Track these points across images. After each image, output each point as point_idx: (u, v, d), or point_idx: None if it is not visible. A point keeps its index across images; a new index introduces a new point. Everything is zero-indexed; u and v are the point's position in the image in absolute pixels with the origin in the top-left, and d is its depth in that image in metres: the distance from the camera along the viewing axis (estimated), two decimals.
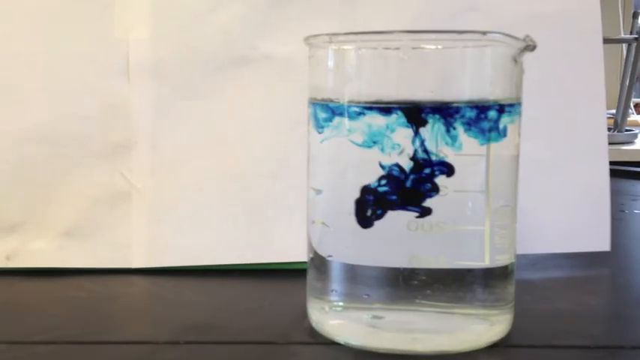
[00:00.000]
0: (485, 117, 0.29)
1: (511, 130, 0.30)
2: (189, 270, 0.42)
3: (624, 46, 1.28)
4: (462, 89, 0.30)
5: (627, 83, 1.18)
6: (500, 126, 0.30)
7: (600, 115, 0.44)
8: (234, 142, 0.43)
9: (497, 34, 0.29)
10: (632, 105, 1.27)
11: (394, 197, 0.29)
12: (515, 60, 0.30)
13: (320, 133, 0.31)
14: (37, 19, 0.43)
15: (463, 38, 0.29)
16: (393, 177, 0.29)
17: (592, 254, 0.44)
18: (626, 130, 1.18)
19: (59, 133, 0.43)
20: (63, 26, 0.43)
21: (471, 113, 0.29)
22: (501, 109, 0.30)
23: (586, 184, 0.44)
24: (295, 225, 0.41)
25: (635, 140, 1.16)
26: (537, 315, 0.35)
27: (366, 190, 0.30)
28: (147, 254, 0.42)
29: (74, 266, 0.42)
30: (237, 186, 0.43)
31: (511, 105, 0.30)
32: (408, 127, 0.29)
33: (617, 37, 1.29)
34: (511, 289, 0.32)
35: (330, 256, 0.32)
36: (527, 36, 0.29)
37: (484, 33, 0.28)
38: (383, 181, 0.30)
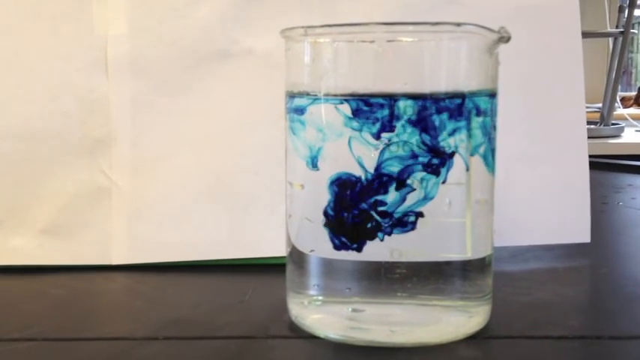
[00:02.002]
0: (462, 108, 0.29)
1: (487, 121, 0.30)
2: (169, 266, 0.42)
3: (610, 40, 1.29)
4: (437, 81, 0.30)
5: (613, 77, 1.19)
6: (477, 117, 0.30)
7: (580, 109, 0.45)
8: (215, 138, 0.43)
9: (471, 26, 0.29)
10: (618, 99, 1.27)
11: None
12: (490, 52, 0.30)
13: (296, 126, 0.31)
14: (15, 15, 0.43)
15: (437, 30, 0.29)
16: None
17: (572, 246, 0.44)
18: (613, 124, 1.19)
19: (38, 129, 0.42)
20: (40, 22, 0.43)
21: (446, 105, 0.29)
22: (477, 100, 0.30)
23: (566, 176, 0.44)
24: (277, 220, 0.41)
25: (622, 134, 1.17)
26: (516, 306, 0.35)
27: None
28: (127, 251, 0.42)
29: (54, 263, 0.42)
30: (219, 182, 0.43)
31: (486, 96, 0.30)
32: (384, 119, 0.29)
33: (603, 31, 1.30)
34: (489, 280, 0.32)
35: (312, 250, 0.32)
36: (502, 27, 0.29)
37: (458, 24, 0.28)
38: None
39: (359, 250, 0.30)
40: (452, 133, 0.29)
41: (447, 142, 0.29)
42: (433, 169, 0.29)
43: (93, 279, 0.41)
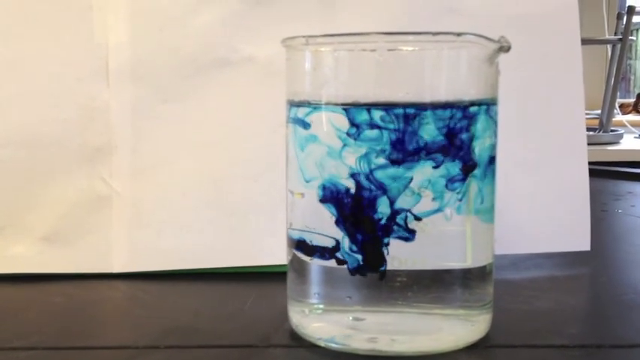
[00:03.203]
0: (462, 117, 0.29)
1: (488, 130, 0.30)
2: (170, 274, 0.42)
3: (609, 46, 1.29)
4: (438, 90, 0.30)
5: (612, 84, 1.19)
6: (477, 126, 0.30)
7: (579, 116, 0.45)
8: (216, 145, 0.43)
9: (471, 36, 0.29)
10: (617, 105, 1.28)
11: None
12: (491, 61, 0.30)
13: (297, 135, 0.31)
14: (17, 23, 0.43)
15: (438, 40, 0.29)
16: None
17: (572, 254, 0.44)
18: (612, 131, 1.19)
19: (38, 137, 0.42)
20: (42, 30, 0.43)
21: (447, 114, 0.29)
22: (477, 109, 0.30)
23: (566, 184, 0.44)
24: (277, 228, 0.41)
25: (621, 140, 1.17)
26: (517, 315, 0.35)
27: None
28: (128, 259, 0.42)
29: (54, 271, 0.42)
30: (219, 189, 0.43)
31: (487, 105, 0.30)
32: (385, 128, 0.29)
33: (601, 38, 1.30)
34: (490, 289, 0.32)
35: (312, 259, 0.32)
36: (502, 37, 0.30)
37: (459, 34, 0.29)
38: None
39: (382, 278, 0.30)
40: (455, 143, 0.29)
41: (468, 152, 0.29)
42: (453, 182, 0.29)
43: (93, 287, 0.41)
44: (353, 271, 0.30)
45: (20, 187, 0.42)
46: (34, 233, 0.42)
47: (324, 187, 0.30)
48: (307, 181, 0.31)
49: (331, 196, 0.30)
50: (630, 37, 1.20)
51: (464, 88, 0.30)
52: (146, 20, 0.43)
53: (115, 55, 0.43)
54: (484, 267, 0.32)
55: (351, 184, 0.30)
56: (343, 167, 0.30)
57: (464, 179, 0.30)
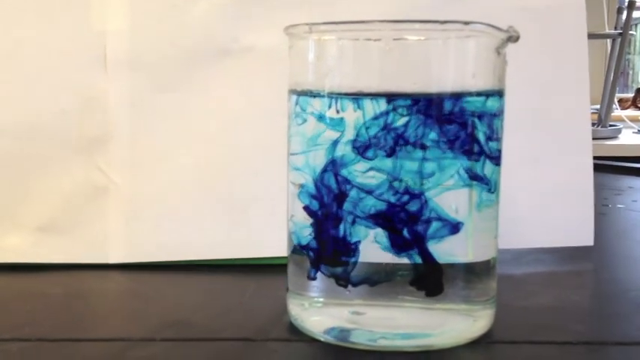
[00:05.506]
0: (469, 109, 0.29)
1: (494, 122, 0.30)
2: (167, 266, 0.42)
3: (609, 41, 1.28)
4: (445, 80, 0.29)
5: (611, 78, 1.19)
6: (484, 118, 0.29)
7: (584, 110, 0.44)
8: (215, 136, 0.42)
9: (479, 25, 0.28)
10: (616, 100, 1.27)
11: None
12: (498, 51, 0.29)
13: (299, 125, 0.31)
14: (14, 11, 0.42)
15: (445, 28, 0.28)
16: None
17: (575, 249, 0.44)
18: (610, 126, 1.19)
19: (35, 127, 0.42)
20: (39, 19, 0.42)
21: (453, 105, 0.28)
22: (484, 100, 0.29)
23: (570, 178, 0.44)
24: (276, 220, 0.40)
25: (619, 135, 1.17)
26: (520, 310, 0.35)
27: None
28: (124, 250, 0.42)
29: (50, 262, 0.41)
30: (218, 180, 0.42)
31: (494, 96, 0.30)
32: (389, 119, 0.28)
33: (601, 33, 1.30)
34: (493, 284, 0.32)
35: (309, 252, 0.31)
36: (511, 27, 0.29)
37: (466, 23, 0.28)
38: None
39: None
40: (461, 135, 0.29)
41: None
42: (459, 175, 0.29)
43: (89, 278, 0.40)
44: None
45: (17, 176, 0.42)
46: (29, 223, 0.42)
47: (322, 180, 0.30)
48: (309, 172, 0.30)
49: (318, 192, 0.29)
50: (630, 32, 1.20)
51: (472, 79, 0.29)
52: (145, 9, 0.42)
53: (113, 45, 0.42)
54: (487, 261, 0.31)
55: (351, 177, 0.29)
56: (346, 158, 0.29)
57: (469, 172, 0.29)
